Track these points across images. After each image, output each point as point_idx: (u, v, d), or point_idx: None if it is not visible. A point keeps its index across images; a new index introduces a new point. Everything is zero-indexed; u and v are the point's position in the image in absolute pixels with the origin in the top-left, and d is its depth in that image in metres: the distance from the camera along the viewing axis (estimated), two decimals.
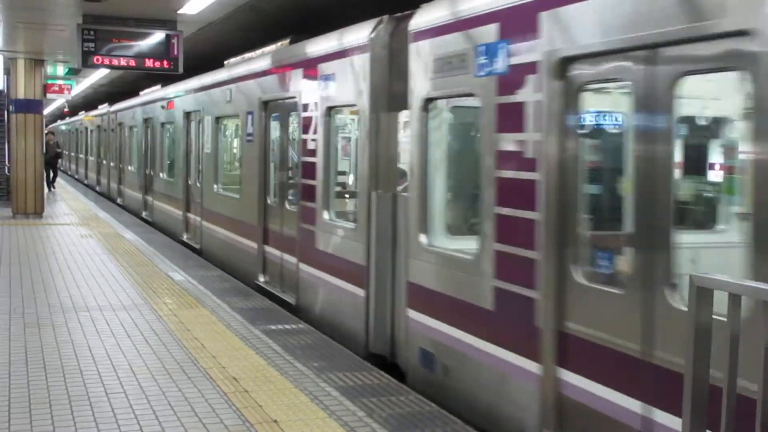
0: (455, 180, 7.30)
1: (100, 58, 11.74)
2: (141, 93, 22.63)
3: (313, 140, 9.16)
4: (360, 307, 8.00)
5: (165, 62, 11.97)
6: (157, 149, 19.28)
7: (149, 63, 11.96)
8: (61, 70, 21.62)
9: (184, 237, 15.85)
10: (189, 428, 5.19)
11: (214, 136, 13.89)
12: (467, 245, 6.37)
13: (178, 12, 11.37)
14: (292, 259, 9.94)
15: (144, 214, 20.52)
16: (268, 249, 11.02)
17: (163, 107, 18.18)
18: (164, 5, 11.10)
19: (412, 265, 7.03)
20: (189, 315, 8.45)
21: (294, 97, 9.78)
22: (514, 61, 5.54)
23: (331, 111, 8.89)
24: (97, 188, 30.82)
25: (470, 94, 6.18)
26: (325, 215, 8.93)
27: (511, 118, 5.56)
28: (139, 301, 9.11)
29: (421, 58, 6.83)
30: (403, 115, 7.55)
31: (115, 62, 11.87)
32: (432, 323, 6.70)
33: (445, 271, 6.54)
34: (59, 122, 51.50)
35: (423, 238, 6.86)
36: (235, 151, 14.11)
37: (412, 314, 7.04)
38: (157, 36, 11.90)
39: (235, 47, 14.48)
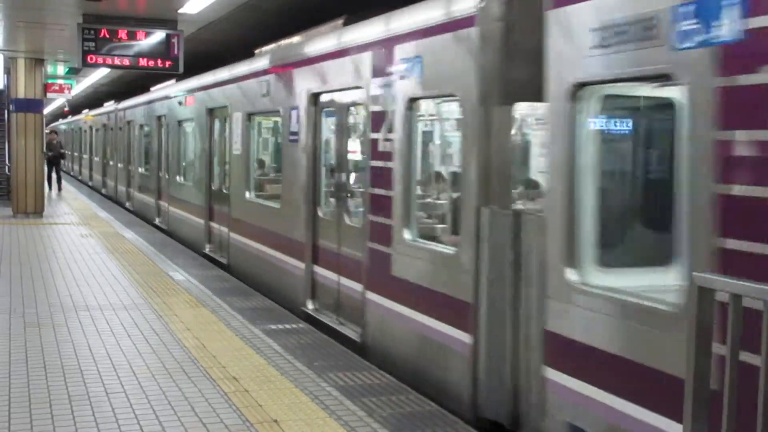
0: (617, 194, 5.70)
1: (100, 57, 11.74)
2: (152, 89, 20.95)
3: (388, 140, 7.37)
4: (463, 356, 6.21)
5: (165, 62, 11.97)
6: (172, 150, 17.36)
7: (150, 62, 11.96)
8: (61, 69, 21.62)
9: (207, 249, 14.03)
10: (189, 428, 5.19)
11: (245, 135, 11.98)
12: (632, 282, 4.91)
13: (179, 11, 11.37)
14: (355, 286, 8.13)
15: (157, 221, 18.72)
16: (319, 270, 9.23)
17: (180, 103, 16.36)
18: (165, 5, 11.10)
19: (553, 310, 5.20)
20: (189, 314, 8.45)
21: (359, 88, 8.05)
22: (759, 22, 3.76)
23: (413, 104, 7.10)
24: (103, 191, 29.10)
25: (663, 76, 4.38)
26: (406, 234, 7.10)
27: (748, 107, 3.86)
28: (140, 300, 9.11)
29: (567, 30, 5.13)
30: (526, 108, 5.91)
31: (116, 62, 11.87)
32: (595, 394, 4.81)
33: (619, 323, 4.64)
34: (60, 121, 50.48)
35: (571, 274, 5.04)
36: (273, 152, 12.72)
37: (555, 376, 5.20)
38: (158, 35, 11.90)
39: (235, 46, 14.48)
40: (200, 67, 15.69)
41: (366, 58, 7.88)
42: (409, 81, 7.05)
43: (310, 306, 9.39)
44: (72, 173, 41.71)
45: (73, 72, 21.79)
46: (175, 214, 16.93)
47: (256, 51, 11.94)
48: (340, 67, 8.53)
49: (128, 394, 5.82)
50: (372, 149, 7.71)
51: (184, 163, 16.79)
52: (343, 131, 8.83)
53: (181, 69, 12.06)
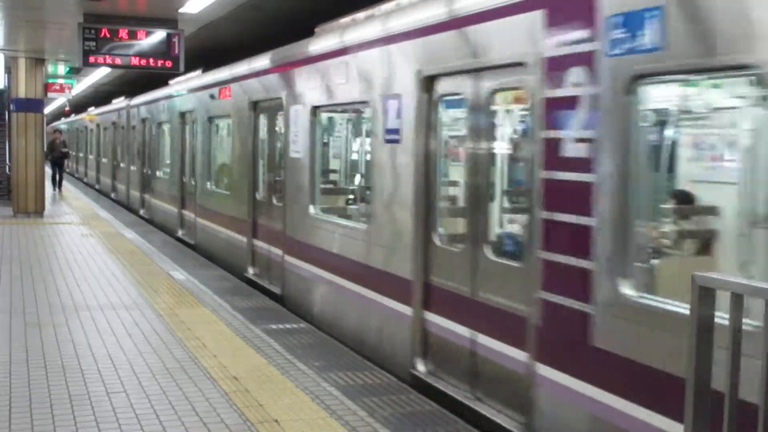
0: None
1: (101, 57, 11.74)
2: (171, 82, 18.44)
3: (583, 141, 4.95)
4: None
5: (166, 61, 11.97)
6: (201, 151, 14.78)
7: (150, 62, 11.96)
8: (62, 69, 21.64)
9: (250, 273, 11.65)
10: (190, 428, 5.19)
11: (309, 134, 9.48)
12: None
13: (179, 11, 11.37)
14: (510, 351, 5.71)
15: (181, 233, 16.35)
16: (436, 320, 6.74)
17: (212, 96, 13.84)
18: (165, 4, 11.10)
19: None
20: (190, 314, 8.45)
21: (518, 65, 5.58)
22: None
23: (636, 85, 4.61)
24: (113, 195, 26.87)
25: None
26: (625, 287, 4.60)
27: None
28: (140, 300, 9.11)
29: None
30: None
31: (116, 61, 11.87)
32: None
33: None
34: (63, 120, 49.69)
35: None
36: (353, 157, 10.46)
37: None
38: (158, 35, 11.90)
39: (236, 45, 14.47)
40: (200, 66, 15.69)
41: (533, 21, 5.40)
42: (631, 49, 4.60)
43: (420, 367, 6.87)
44: (77, 175, 40.08)
45: (74, 71, 21.80)
46: (205, 228, 14.39)
47: (318, 29, 9.65)
48: (479, 37, 6.07)
49: (129, 394, 5.82)
50: (545, 154, 5.29)
51: (216, 167, 14.45)
52: (482, 127, 6.30)
53: (181, 68, 12.06)
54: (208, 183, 14.43)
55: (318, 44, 9.31)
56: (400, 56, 7.32)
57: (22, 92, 18.47)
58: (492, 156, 6.40)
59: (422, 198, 6.89)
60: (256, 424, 5.25)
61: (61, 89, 23.62)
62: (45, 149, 21.39)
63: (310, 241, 9.37)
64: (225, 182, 13.77)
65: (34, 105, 18.61)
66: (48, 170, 23.49)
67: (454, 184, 7.05)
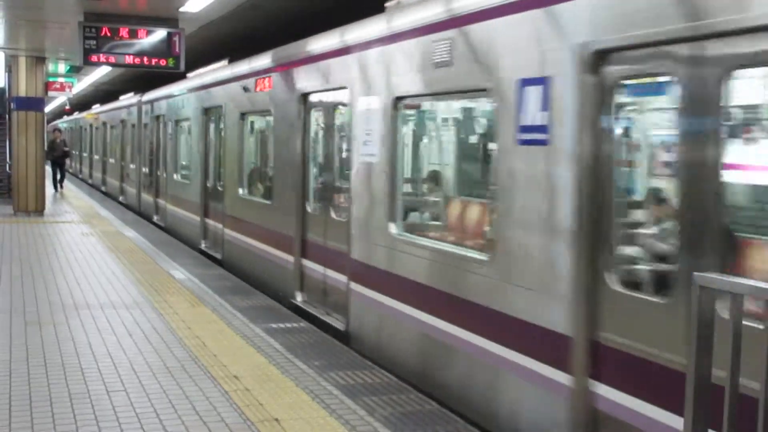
0: None
1: (101, 55, 11.75)
2: (189, 75, 16.47)
3: None
4: None
5: (166, 60, 11.97)
6: (231, 153, 12.94)
7: (151, 61, 11.96)
8: (62, 67, 21.66)
9: (299, 299, 9.85)
10: (190, 427, 5.19)
11: (389, 133, 7.46)
12: None
13: (180, 10, 11.38)
14: None
15: (204, 245, 14.53)
16: (611, 394, 4.80)
17: (246, 89, 11.97)
18: (166, 3, 11.11)
19: None
20: (190, 313, 8.45)
21: None
22: None
23: None
24: (121, 198, 25.14)
25: None
26: None
27: None
28: (141, 299, 9.11)
29: None
30: None
31: (117, 60, 11.88)
32: None
33: None
34: (65, 118, 49.23)
35: None
36: (456, 162, 8.52)
37: None
38: (159, 34, 11.90)
39: (236, 45, 14.47)
40: (201, 65, 15.68)
41: None
42: None
43: None
44: (81, 176, 38.54)
45: (75, 70, 21.82)
46: (236, 241, 12.59)
47: (389, 3, 7.97)
48: None
49: (129, 393, 5.83)
50: None
51: (250, 171, 12.79)
52: (705, 124, 4.18)
53: (182, 67, 12.06)
54: (240, 189, 12.51)
55: (403, 18, 7.35)
56: (547, 25, 5.33)
57: (22, 91, 18.48)
58: (721, 167, 4.11)
59: (589, 222, 4.94)
60: (256, 423, 5.25)
61: (62, 88, 23.66)
62: (45, 149, 21.38)
63: (391, 269, 7.45)
64: (262, 189, 12.14)
65: (34, 103, 18.62)
66: (48, 170, 23.44)
67: (649, 202, 5.36)
